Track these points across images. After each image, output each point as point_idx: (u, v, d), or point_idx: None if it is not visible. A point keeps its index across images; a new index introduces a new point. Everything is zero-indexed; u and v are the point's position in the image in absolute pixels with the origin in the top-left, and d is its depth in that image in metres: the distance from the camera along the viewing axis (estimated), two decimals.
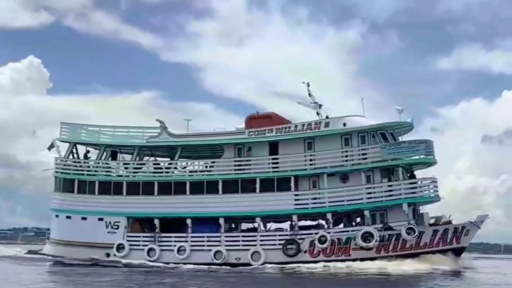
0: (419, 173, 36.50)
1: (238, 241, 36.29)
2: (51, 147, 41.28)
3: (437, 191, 35.01)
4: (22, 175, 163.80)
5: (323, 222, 36.27)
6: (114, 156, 41.19)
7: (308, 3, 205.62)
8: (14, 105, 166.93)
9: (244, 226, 40.28)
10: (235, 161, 37.69)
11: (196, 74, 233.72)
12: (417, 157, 35.21)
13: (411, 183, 34.85)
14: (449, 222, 34.47)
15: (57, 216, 40.09)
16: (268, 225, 39.13)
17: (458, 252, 33.94)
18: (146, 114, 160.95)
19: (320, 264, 33.17)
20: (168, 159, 41.13)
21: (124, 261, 35.43)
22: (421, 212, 36.11)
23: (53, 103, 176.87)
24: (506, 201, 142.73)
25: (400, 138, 36.49)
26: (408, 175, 35.79)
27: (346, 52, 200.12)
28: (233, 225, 40.14)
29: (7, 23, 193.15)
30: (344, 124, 35.84)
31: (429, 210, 36.43)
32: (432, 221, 35.27)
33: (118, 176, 39.87)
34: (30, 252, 43.40)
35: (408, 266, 31.40)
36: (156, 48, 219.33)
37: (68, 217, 39.44)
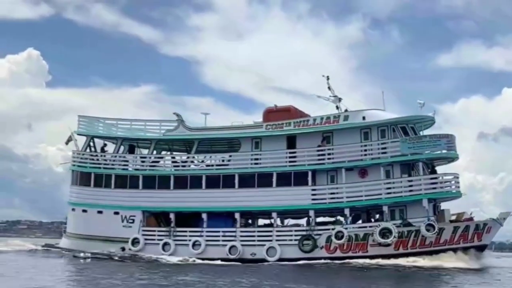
0: (440, 169, 35.51)
1: (254, 236, 35.58)
2: (69, 140, 41.24)
3: (458, 187, 33.93)
4: (19, 168, 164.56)
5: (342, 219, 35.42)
6: (131, 150, 40.92)
7: None
8: (12, 97, 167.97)
9: (262, 222, 39.92)
10: (252, 154, 37.11)
11: (195, 68, 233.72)
12: (438, 152, 34.17)
13: (431, 178, 33.80)
14: (471, 219, 33.41)
15: (73, 209, 40.03)
16: (286, 221, 38.60)
17: (480, 250, 32.90)
18: (145, 108, 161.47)
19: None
20: (185, 153, 40.74)
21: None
22: (442, 208, 34.99)
23: (52, 96, 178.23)
24: (504, 198, 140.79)
25: (421, 132, 35.39)
26: (429, 170, 34.71)
27: (347, 47, 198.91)
28: (249, 221, 39.67)
29: (7, 15, 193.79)
30: (364, 118, 35.02)
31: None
32: (453, 217, 34.18)
33: (134, 169, 39.59)
34: (46, 245, 43.27)
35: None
36: (155, 41, 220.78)
37: (84, 210, 39.33)
